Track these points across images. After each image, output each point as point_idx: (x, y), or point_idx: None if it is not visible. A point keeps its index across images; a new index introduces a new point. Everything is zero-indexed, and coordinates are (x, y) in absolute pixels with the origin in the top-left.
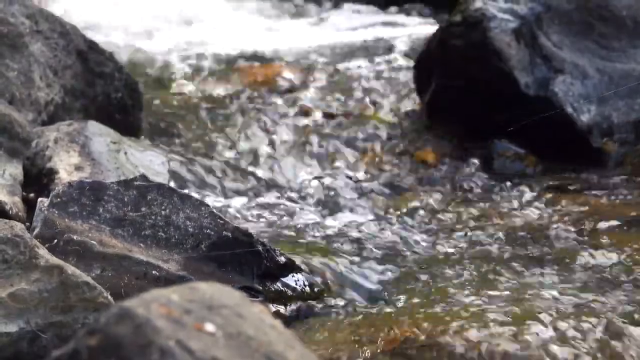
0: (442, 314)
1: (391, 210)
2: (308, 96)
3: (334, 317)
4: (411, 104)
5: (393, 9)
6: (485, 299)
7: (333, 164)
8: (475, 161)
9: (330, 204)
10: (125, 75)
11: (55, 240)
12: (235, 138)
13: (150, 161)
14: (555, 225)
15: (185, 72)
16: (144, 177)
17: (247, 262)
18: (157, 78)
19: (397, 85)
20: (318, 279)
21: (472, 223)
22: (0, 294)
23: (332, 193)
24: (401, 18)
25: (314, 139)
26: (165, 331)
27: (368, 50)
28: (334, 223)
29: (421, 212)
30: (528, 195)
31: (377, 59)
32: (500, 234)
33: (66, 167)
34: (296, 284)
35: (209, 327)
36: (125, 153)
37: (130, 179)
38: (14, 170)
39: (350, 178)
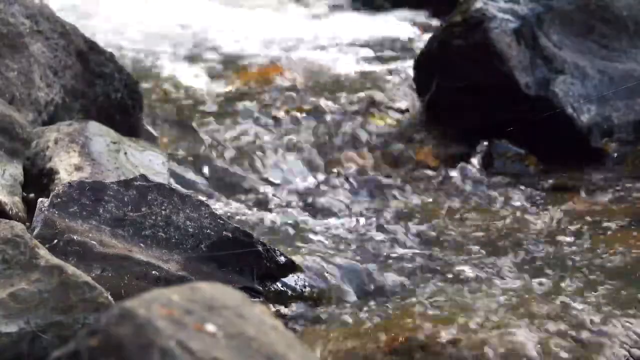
0: (442, 314)
1: (391, 210)
2: (308, 96)
3: (334, 317)
4: (411, 104)
5: (393, 9)
6: (485, 299)
7: (333, 164)
8: (475, 161)
9: (329, 204)
10: (125, 76)
11: (56, 241)
12: (235, 138)
13: (150, 161)
14: (555, 225)
15: (186, 72)
16: (144, 177)
17: (247, 262)
18: (157, 78)
19: (397, 85)
20: (318, 279)
21: (472, 223)
22: (0, 294)
23: (331, 193)
24: (401, 19)
25: (314, 139)
26: (166, 331)
27: (368, 50)
28: (333, 223)
29: (421, 212)
30: (528, 195)
31: (377, 59)
32: (500, 234)
33: (66, 167)
34: (296, 284)
35: (210, 327)
36: (125, 153)
37: (130, 179)
38: (14, 170)
39: (350, 178)
